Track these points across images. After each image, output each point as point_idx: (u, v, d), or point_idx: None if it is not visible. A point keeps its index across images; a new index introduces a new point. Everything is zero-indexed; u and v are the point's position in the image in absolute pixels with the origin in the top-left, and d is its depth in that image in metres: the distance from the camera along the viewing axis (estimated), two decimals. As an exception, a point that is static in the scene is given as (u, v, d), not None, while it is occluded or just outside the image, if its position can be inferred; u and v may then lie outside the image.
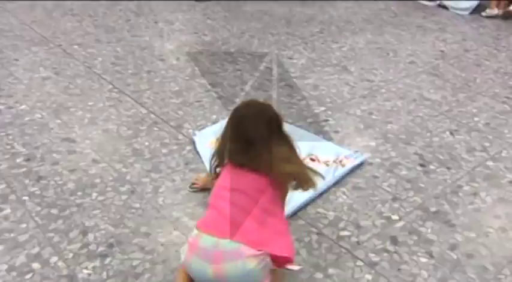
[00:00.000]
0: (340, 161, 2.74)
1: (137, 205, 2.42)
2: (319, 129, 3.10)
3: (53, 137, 2.94)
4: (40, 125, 3.06)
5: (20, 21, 4.70)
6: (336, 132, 3.08)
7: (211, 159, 2.11)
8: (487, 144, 3.00)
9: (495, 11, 5.19)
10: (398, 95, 3.56)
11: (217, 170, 2.10)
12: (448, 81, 3.80)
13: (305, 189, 2.01)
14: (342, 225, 2.34)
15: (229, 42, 4.40)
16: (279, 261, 1.88)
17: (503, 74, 3.94)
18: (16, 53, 4.03)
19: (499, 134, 3.10)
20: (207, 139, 2.80)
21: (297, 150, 2.02)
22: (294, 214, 2.38)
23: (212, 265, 1.78)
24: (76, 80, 3.63)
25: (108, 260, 2.11)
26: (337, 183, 2.60)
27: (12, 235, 2.22)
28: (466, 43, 4.56)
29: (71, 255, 2.12)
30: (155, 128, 3.06)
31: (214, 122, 3.11)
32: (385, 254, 2.17)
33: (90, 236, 2.22)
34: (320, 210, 2.43)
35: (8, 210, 2.37)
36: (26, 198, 2.45)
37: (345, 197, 2.52)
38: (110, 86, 3.56)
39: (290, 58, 4.11)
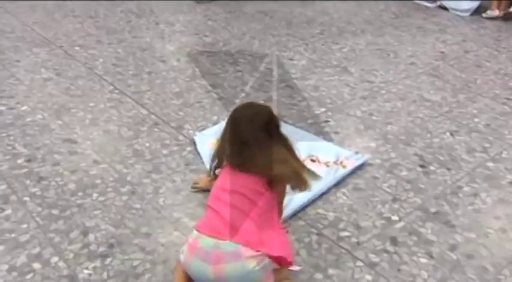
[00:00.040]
0: (341, 162, 2.74)
1: (138, 206, 2.43)
2: (319, 130, 3.10)
3: (54, 138, 2.95)
4: (41, 126, 3.07)
5: (21, 22, 4.71)
6: (336, 133, 3.09)
7: (211, 160, 2.12)
8: (487, 145, 3.01)
9: (496, 13, 5.19)
10: (399, 96, 3.56)
11: (217, 171, 2.10)
12: (448, 82, 3.81)
13: (302, 190, 2.02)
14: (342, 225, 2.34)
15: (230, 43, 4.41)
16: (281, 262, 1.89)
17: (503, 75, 3.94)
18: (17, 54, 4.04)
19: (499, 135, 3.11)
20: (208, 140, 2.80)
21: (296, 152, 2.02)
22: (294, 215, 2.38)
23: (212, 266, 1.79)
24: (77, 81, 3.64)
25: (108, 260, 2.11)
26: (338, 184, 2.60)
27: (13, 235, 2.23)
28: (467, 44, 4.56)
29: (71, 255, 2.13)
30: (156, 129, 3.07)
31: (214, 123, 3.11)
32: (385, 255, 2.18)
33: (91, 237, 2.23)
34: (320, 211, 2.43)
35: (9, 211, 2.37)
36: (27, 198, 2.46)
37: (345, 197, 2.53)
38: (111, 87, 3.57)
39: (291, 59, 4.12)
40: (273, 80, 3.75)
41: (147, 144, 2.91)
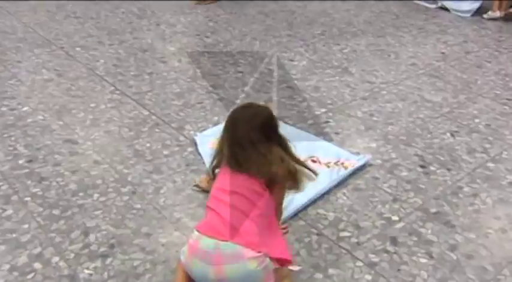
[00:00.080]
0: (342, 163, 2.74)
1: (138, 206, 2.44)
2: (319, 131, 3.11)
3: (55, 139, 2.96)
4: (42, 126, 3.08)
5: (23, 23, 4.72)
6: (337, 133, 3.09)
7: (211, 160, 2.12)
8: (487, 145, 3.01)
9: (497, 14, 5.19)
10: (399, 97, 3.57)
11: (216, 171, 2.11)
12: (449, 83, 3.81)
13: (297, 190, 2.04)
14: (342, 226, 2.35)
15: (230, 44, 4.41)
16: (281, 262, 1.89)
17: (504, 76, 3.94)
18: (19, 55, 4.05)
19: (500, 136, 3.11)
20: (208, 140, 2.81)
21: (294, 153, 2.03)
22: (295, 215, 2.39)
23: (213, 267, 1.79)
24: (78, 82, 3.65)
25: (109, 260, 2.12)
26: (338, 184, 2.60)
27: (14, 235, 2.24)
28: (467, 45, 4.56)
29: (72, 255, 2.14)
30: (157, 130, 3.08)
31: (215, 124, 3.12)
32: (385, 255, 2.18)
33: (92, 237, 2.24)
34: (320, 211, 2.44)
35: (10, 211, 2.38)
36: (28, 199, 2.47)
37: (345, 198, 2.53)
38: (112, 88, 3.58)
39: (291, 60, 4.13)
40: (273, 80, 3.76)
41: (148, 145, 2.92)
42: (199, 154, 2.82)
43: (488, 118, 3.31)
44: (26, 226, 2.29)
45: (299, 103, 3.44)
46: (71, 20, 4.84)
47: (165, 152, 2.85)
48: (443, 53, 4.37)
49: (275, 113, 2.12)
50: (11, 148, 2.86)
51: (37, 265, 2.09)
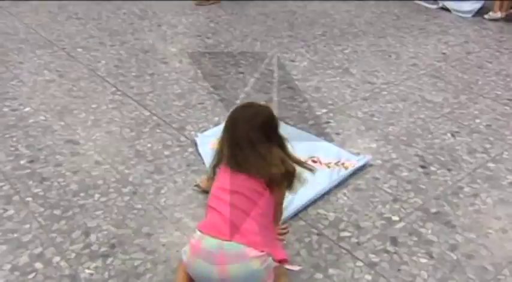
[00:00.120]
0: (343, 164, 2.75)
1: (139, 206, 2.45)
2: (320, 131, 3.11)
3: (57, 139, 2.97)
4: (44, 127, 3.09)
5: (25, 24, 4.74)
6: (338, 134, 3.09)
7: (212, 160, 2.12)
8: (488, 145, 3.01)
9: (498, 14, 5.19)
10: (400, 97, 3.57)
11: (216, 169, 2.11)
12: (449, 83, 3.81)
13: (293, 191, 2.05)
14: (342, 226, 2.35)
15: (232, 45, 4.42)
16: (280, 260, 1.90)
17: (505, 76, 3.94)
18: (21, 56, 4.07)
19: (500, 136, 3.11)
20: (209, 141, 2.82)
21: (294, 153, 2.03)
22: (295, 215, 2.39)
23: (217, 266, 1.79)
24: (80, 83, 3.66)
25: (110, 260, 2.13)
26: (339, 184, 2.61)
27: (15, 235, 2.25)
28: (469, 45, 4.56)
29: (73, 255, 2.15)
30: (158, 130, 3.08)
31: (216, 124, 3.13)
32: (385, 255, 2.18)
33: (93, 237, 2.25)
34: (321, 211, 2.44)
35: (11, 211, 2.39)
36: (29, 199, 2.48)
37: (345, 198, 2.53)
38: (113, 89, 3.59)
39: (292, 61, 4.13)
40: (274, 81, 3.76)
41: (149, 145, 2.93)
42: (200, 154, 2.82)
43: (489, 118, 3.31)
44: (27, 226, 2.30)
45: (300, 103, 3.45)
46: (73, 21, 4.85)
47: (166, 153, 2.86)
48: (444, 53, 4.38)
49: (276, 113, 2.12)
50: (12, 148, 2.87)
51: (38, 265, 2.09)
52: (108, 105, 3.36)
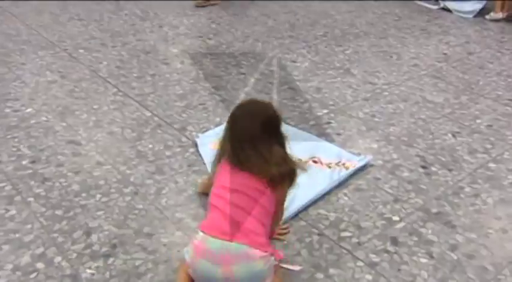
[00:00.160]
0: (343, 164, 2.75)
1: (140, 206, 2.45)
2: (321, 132, 3.12)
3: (58, 140, 2.98)
4: (46, 127, 3.10)
5: (27, 25, 4.75)
6: (338, 134, 3.10)
7: (214, 158, 2.12)
8: (489, 146, 3.01)
9: (499, 15, 5.18)
10: (401, 98, 3.57)
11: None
12: (451, 83, 3.81)
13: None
14: (342, 226, 2.36)
15: (233, 45, 4.43)
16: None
17: (506, 77, 3.94)
18: (23, 57, 4.08)
19: (501, 136, 3.11)
20: (210, 141, 2.82)
21: (292, 152, 2.04)
22: (296, 215, 2.39)
23: (221, 267, 1.80)
24: (81, 84, 3.67)
25: (111, 260, 2.13)
26: (339, 185, 2.61)
27: (17, 235, 2.26)
28: (470, 46, 4.56)
29: (74, 255, 2.16)
30: (159, 131, 3.09)
31: (217, 125, 3.13)
32: (386, 255, 2.19)
33: (94, 237, 2.25)
34: (321, 211, 2.45)
35: (13, 211, 2.40)
36: (31, 199, 2.49)
37: (346, 198, 2.54)
38: (115, 90, 3.60)
39: (293, 61, 4.14)
40: (275, 82, 3.77)
41: (150, 146, 2.93)
42: (200, 155, 2.83)
43: (490, 119, 3.31)
44: (29, 226, 2.31)
45: (301, 104, 3.45)
46: (75, 22, 4.87)
47: (168, 153, 2.87)
48: (445, 54, 4.38)
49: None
50: (14, 149, 2.88)
51: (40, 265, 2.10)
52: (110, 106, 3.37)
